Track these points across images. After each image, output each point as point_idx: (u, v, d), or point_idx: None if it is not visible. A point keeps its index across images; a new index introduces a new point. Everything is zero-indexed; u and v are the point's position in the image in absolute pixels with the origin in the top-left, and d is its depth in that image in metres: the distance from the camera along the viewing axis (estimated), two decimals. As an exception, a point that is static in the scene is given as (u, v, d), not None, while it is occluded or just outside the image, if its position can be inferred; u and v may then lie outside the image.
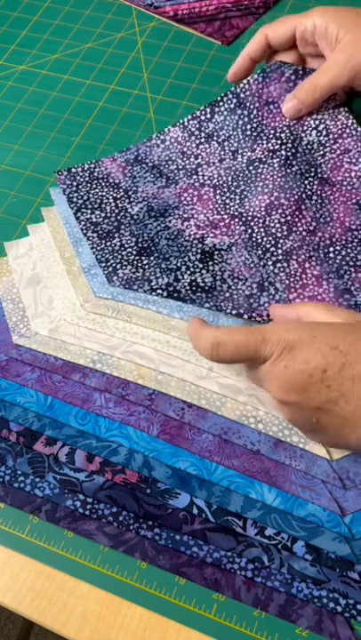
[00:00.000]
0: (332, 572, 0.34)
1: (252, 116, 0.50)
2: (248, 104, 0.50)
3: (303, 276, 0.44)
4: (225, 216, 0.47)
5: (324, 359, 0.31)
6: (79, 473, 0.38)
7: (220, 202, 0.48)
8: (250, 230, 0.46)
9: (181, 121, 0.52)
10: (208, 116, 0.51)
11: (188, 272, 0.44)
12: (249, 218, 0.47)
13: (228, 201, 0.48)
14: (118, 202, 0.49)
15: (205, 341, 0.34)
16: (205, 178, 0.50)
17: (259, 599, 0.34)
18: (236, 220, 0.47)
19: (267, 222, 0.46)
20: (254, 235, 0.46)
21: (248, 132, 0.50)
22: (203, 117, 0.52)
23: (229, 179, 0.49)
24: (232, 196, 0.48)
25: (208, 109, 0.51)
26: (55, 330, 0.42)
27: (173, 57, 0.60)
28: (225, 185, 0.49)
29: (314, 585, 0.34)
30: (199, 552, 0.35)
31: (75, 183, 0.50)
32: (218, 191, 0.49)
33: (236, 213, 0.47)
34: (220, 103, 0.51)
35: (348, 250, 0.44)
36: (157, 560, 0.35)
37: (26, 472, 0.38)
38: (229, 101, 0.51)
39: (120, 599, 0.35)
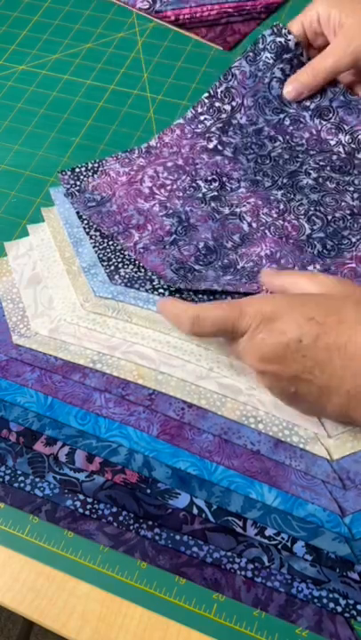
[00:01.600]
0: (332, 573, 0.34)
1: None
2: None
3: None
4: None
5: (300, 329, 0.32)
6: (79, 473, 0.38)
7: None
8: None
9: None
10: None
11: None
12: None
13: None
14: None
15: (186, 317, 0.35)
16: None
17: (259, 599, 0.34)
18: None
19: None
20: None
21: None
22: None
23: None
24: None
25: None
26: (55, 330, 0.42)
27: (173, 57, 0.60)
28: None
29: (314, 585, 0.34)
30: (199, 552, 0.35)
31: (78, 182, 0.50)
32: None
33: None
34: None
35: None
36: (157, 560, 0.35)
37: (26, 472, 0.38)
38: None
39: (120, 599, 0.35)
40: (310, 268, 0.43)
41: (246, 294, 0.42)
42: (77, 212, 0.48)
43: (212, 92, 0.52)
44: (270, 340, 0.33)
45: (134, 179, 0.50)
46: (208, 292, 0.43)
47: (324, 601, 0.33)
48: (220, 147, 0.50)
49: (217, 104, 0.52)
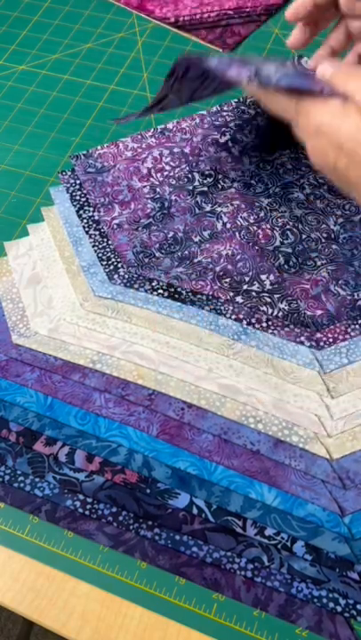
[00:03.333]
0: (331, 572, 0.34)
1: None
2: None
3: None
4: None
5: None
6: (79, 473, 0.38)
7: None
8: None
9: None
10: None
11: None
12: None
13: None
14: None
15: None
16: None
17: (259, 599, 0.34)
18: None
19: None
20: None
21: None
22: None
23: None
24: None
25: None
26: (55, 329, 0.42)
27: (173, 57, 0.59)
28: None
29: (314, 585, 0.34)
30: (199, 552, 0.35)
31: (78, 182, 0.50)
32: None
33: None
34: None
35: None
36: (157, 560, 0.35)
37: (26, 472, 0.38)
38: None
39: (120, 599, 0.35)
40: (264, 277, 0.43)
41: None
42: (77, 211, 0.48)
43: (241, 99, 0.54)
44: None
45: (138, 156, 0.51)
46: (200, 294, 0.43)
47: (324, 601, 0.33)
48: (230, 143, 0.51)
49: (242, 107, 0.53)
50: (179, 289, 0.43)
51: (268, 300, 0.42)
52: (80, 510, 0.37)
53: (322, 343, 0.40)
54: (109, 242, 0.46)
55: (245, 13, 0.61)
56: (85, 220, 0.48)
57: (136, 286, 0.43)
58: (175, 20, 0.62)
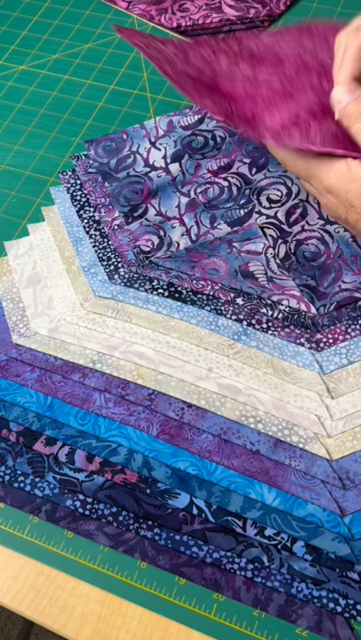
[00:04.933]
0: (331, 573, 0.34)
1: None
2: None
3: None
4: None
5: None
6: (79, 473, 0.38)
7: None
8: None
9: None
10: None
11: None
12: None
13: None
14: None
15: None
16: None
17: (259, 599, 0.34)
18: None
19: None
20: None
21: None
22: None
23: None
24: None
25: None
26: (55, 329, 0.42)
27: (173, 57, 0.60)
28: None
29: (314, 585, 0.34)
30: (199, 552, 0.35)
31: (78, 182, 0.50)
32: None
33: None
34: None
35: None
36: (157, 560, 0.35)
37: (26, 472, 0.38)
38: None
39: (120, 599, 0.35)
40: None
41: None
42: (78, 211, 0.48)
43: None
44: None
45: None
46: (208, 292, 0.43)
47: (324, 601, 0.33)
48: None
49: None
50: (179, 288, 0.43)
51: (269, 302, 0.42)
52: (80, 510, 0.37)
53: (322, 344, 0.40)
54: (110, 242, 0.46)
55: (248, 19, 0.60)
56: (86, 221, 0.48)
57: (136, 286, 0.43)
58: (177, 26, 0.61)
